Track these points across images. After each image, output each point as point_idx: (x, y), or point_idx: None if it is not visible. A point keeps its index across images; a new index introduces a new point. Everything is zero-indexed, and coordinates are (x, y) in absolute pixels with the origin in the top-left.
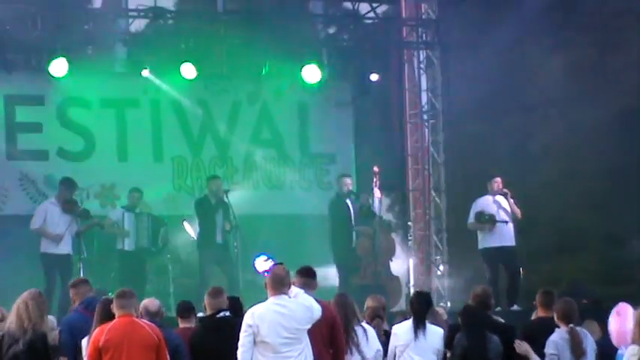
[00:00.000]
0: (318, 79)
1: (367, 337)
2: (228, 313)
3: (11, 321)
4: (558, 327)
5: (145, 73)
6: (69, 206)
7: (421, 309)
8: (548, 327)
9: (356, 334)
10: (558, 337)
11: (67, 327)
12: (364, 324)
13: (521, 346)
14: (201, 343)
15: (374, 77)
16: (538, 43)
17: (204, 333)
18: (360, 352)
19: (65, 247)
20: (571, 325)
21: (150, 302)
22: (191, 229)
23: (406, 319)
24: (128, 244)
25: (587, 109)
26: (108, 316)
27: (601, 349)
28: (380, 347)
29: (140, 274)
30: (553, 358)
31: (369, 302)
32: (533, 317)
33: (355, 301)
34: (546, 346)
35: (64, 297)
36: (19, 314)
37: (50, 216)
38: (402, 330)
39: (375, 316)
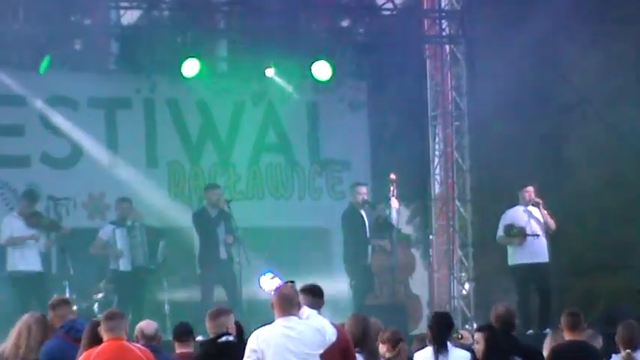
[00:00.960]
0: (329, 77)
1: None
2: (231, 338)
3: (6, 347)
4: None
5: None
6: (33, 220)
7: (440, 332)
8: (574, 352)
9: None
10: None
11: (48, 355)
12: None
13: None
14: None
15: (391, 75)
16: (573, 38)
17: (207, 358)
18: None
19: (35, 264)
20: (628, 350)
21: (146, 324)
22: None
23: (426, 345)
24: (123, 264)
25: (629, 109)
26: (96, 339)
27: None
28: None
29: (138, 296)
30: None
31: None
32: (549, 340)
33: None
34: None
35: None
36: (18, 342)
37: (17, 230)
38: (423, 357)
39: (399, 339)
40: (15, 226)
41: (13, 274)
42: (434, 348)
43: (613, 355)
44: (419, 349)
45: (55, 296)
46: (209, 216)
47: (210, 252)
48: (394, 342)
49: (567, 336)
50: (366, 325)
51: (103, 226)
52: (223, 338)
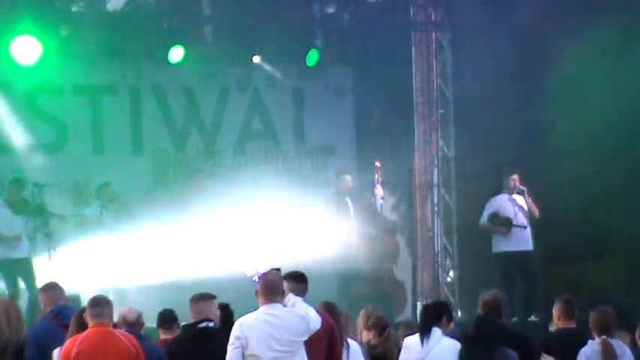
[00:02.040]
0: (319, 63)
1: (348, 353)
2: (211, 324)
3: None
4: (592, 338)
5: (256, 59)
6: (20, 207)
7: (425, 320)
8: (571, 339)
9: (347, 349)
10: (590, 349)
11: (34, 338)
12: (348, 339)
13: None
14: (181, 352)
15: (377, 62)
16: (559, 25)
17: (184, 343)
18: None
19: (23, 251)
20: (604, 336)
21: (128, 311)
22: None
23: (413, 332)
24: None
25: (615, 96)
26: (83, 326)
27: None
28: None
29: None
30: None
31: (366, 312)
32: (551, 329)
33: (357, 312)
34: (577, 358)
35: (30, 304)
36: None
37: (2, 219)
38: (414, 342)
39: (386, 325)
40: (1, 214)
41: (3, 261)
42: (420, 335)
43: (589, 341)
44: (408, 335)
45: (48, 280)
46: None
47: None
48: (381, 328)
49: (561, 324)
50: (334, 312)
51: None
52: (203, 324)
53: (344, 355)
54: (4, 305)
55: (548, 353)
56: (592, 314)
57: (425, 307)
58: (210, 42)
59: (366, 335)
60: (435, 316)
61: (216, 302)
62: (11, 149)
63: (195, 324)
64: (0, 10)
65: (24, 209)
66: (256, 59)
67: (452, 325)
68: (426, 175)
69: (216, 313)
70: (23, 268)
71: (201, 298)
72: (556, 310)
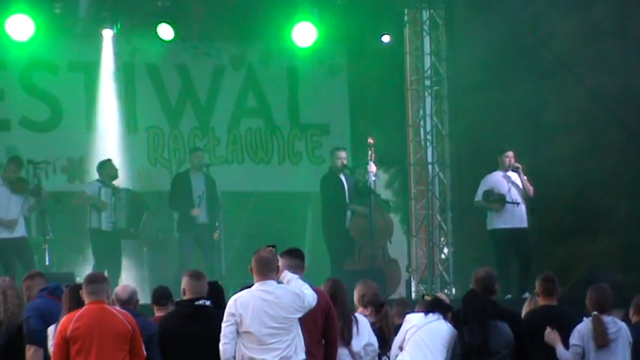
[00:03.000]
0: (313, 40)
1: (358, 328)
2: (208, 302)
3: None
4: (579, 315)
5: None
6: (19, 186)
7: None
8: (552, 316)
9: (356, 324)
10: (584, 326)
11: (36, 312)
12: (357, 314)
13: (550, 335)
14: (174, 329)
15: (386, 39)
16: (553, 3)
17: (179, 319)
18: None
19: (19, 230)
20: (595, 312)
21: (121, 289)
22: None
23: (408, 311)
24: (105, 224)
25: (608, 75)
26: (77, 303)
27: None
28: (371, 341)
29: (116, 258)
30: (576, 349)
31: (362, 289)
32: (527, 305)
33: (349, 288)
34: (571, 335)
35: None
36: None
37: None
38: (416, 316)
39: (382, 302)
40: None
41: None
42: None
43: (584, 319)
44: (410, 312)
45: (31, 270)
46: (189, 179)
47: (190, 216)
48: (378, 306)
49: (542, 301)
50: (337, 288)
51: (89, 183)
52: (201, 301)
53: (354, 330)
54: (2, 286)
55: (531, 330)
56: (589, 292)
57: (423, 302)
58: (203, 20)
59: (362, 312)
60: (437, 305)
61: (206, 280)
62: (5, 126)
63: (192, 301)
64: None
65: (22, 188)
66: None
67: (445, 298)
68: (420, 153)
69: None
70: (20, 248)
71: (201, 276)
72: (537, 288)
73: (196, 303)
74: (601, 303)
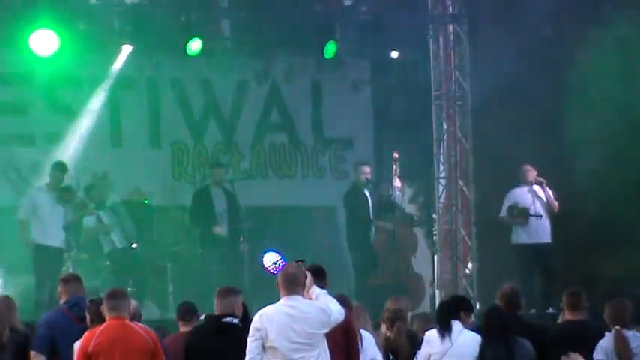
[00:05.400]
0: (336, 56)
1: (362, 344)
2: (236, 321)
3: None
4: (605, 329)
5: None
6: (67, 195)
7: (442, 314)
8: (576, 331)
9: (361, 340)
10: (606, 341)
11: (46, 322)
12: (362, 330)
13: (572, 356)
14: (200, 344)
15: (394, 54)
16: (576, 18)
17: (203, 334)
18: None
19: (57, 240)
20: (617, 327)
21: None
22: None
23: (430, 326)
24: (119, 243)
25: (631, 89)
26: (100, 318)
27: None
28: (376, 357)
29: (137, 274)
30: None
31: (390, 304)
32: (559, 320)
33: (373, 302)
34: (595, 351)
35: (51, 294)
36: None
37: (41, 205)
38: (435, 337)
39: (396, 319)
40: (40, 199)
41: (37, 248)
42: (439, 330)
43: (606, 334)
44: (429, 328)
45: (68, 272)
46: (211, 195)
47: (212, 230)
48: (391, 321)
49: (568, 315)
50: (347, 304)
51: (88, 218)
52: (228, 319)
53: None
54: None
55: (555, 345)
56: (607, 306)
57: (441, 304)
58: (228, 35)
59: (382, 327)
60: (451, 311)
61: (241, 297)
62: (29, 142)
63: (219, 317)
64: (19, 4)
65: (66, 198)
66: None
67: (472, 317)
68: (444, 168)
69: (240, 308)
70: (54, 258)
71: (231, 293)
72: (564, 303)
73: (223, 320)
74: (619, 317)
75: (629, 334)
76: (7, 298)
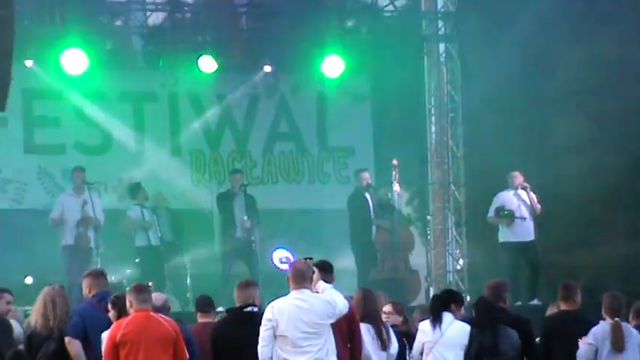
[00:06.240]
0: (340, 72)
1: (389, 335)
2: (256, 309)
3: (36, 320)
4: (600, 319)
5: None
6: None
7: (435, 306)
8: (569, 320)
9: (387, 329)
10: (601, 328)
11: (79, 312)
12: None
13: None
14: (225, 334)
15: (392, 70)
16: (557, 36)
17: (229, 325)
18: (389, 348)
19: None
20: (617, 319)
21: (156, 297)
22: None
23: (426, 317)
24: (154, 240)
25: (608, 101)
26: (125, 311)
27: None
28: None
29: (162, 270)
30: (591, 348)
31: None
32: (549, 311)
33: None
34: (587, 336)
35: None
36: (46, 313)
37: (67, 208)
38: (429, 327)
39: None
40: (67, 202)
41: (67, 247)
42: (431, 321)
43: (601, 322)
44: (423, 319)
45: (94, 267)
46: (231, 198)
47: (231, 230)
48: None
49: (562, 306)
50: (368, 297)
51: (131, 209)
52: (249, 308)
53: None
54: (51, 293)
55: (548, 333)
56: (605, 298)
57: (434, 297)
58: (240, 53)
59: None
60: (443, 303)
61: (257, 289)
62: (61, 150)
63: (241, 307)
64: (51, 25)
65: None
66: (267, 69)
67: (462, 309)
68: (437, 173)
69: (259, 298)
70: (84, 256)
71: (251, 285)
72: (559, 294)
73: (245, 310)
74: (616, 308)
75: (625, 326)
76: (62, 287)
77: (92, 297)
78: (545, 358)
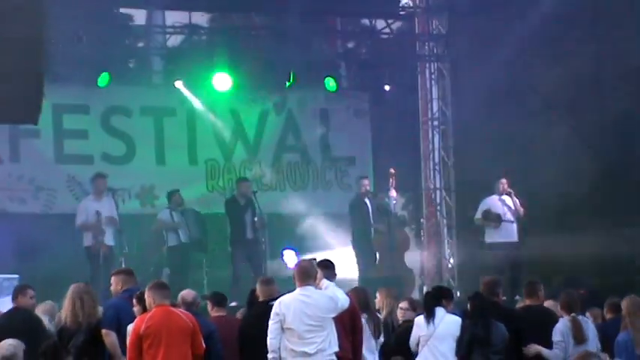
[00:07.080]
0: (335, 89)
1: (379, 325)
2: None
3: (66, 316)
4: (561, 316)
5: (178, 84)
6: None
7: (428, 302)
8: (534, 314)
9: (379, 320)
10: (563, 325)
11: (113, 306)
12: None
13: (531, 348)
14: (252, 326)
15: (388, 87)
16: (539, 55)
17: (255, 318)
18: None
19: (108, 240)
20: (573, 314)
21: (186, 293)
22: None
23: (421, 312)
24: (184, 238)
25: (586, 114)
26: (146, 307)
27: (601, 333)
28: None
29: (185, 268)
30: (561, 345)
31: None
32: (517, 306)
33: (373, 292)
34: (553, 333)
35: (107, 289)
36: (74, 310)
37: (88, 212)
38: (423, 322)
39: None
40: (87, 207)
41: (89, 248)
42: (425, 317)
43: (560, 319)
44: (419, 314)
45: (122, 267)
46: (238, 203)
47: (239, 233)
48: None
49: (527, 301)
50: (366, 294)
51: (159, 211)
52: (272, 302)
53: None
54: (78, 291)
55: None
56: (561, 296)
57: (427, 293)
58: (252, 72)
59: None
60: (435, 299)
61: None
62: (88, 160)
63: (266, 302)
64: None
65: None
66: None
67: (452, 304)
68: (430, 180)
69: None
70: (107, 256)
71: (272, 281)
72: (524, 291)
73: (269, 303)
74: (571, 304)
75: (582, 319)
76: (87, 284)
77: (123, 292)
78: (515, 345)
